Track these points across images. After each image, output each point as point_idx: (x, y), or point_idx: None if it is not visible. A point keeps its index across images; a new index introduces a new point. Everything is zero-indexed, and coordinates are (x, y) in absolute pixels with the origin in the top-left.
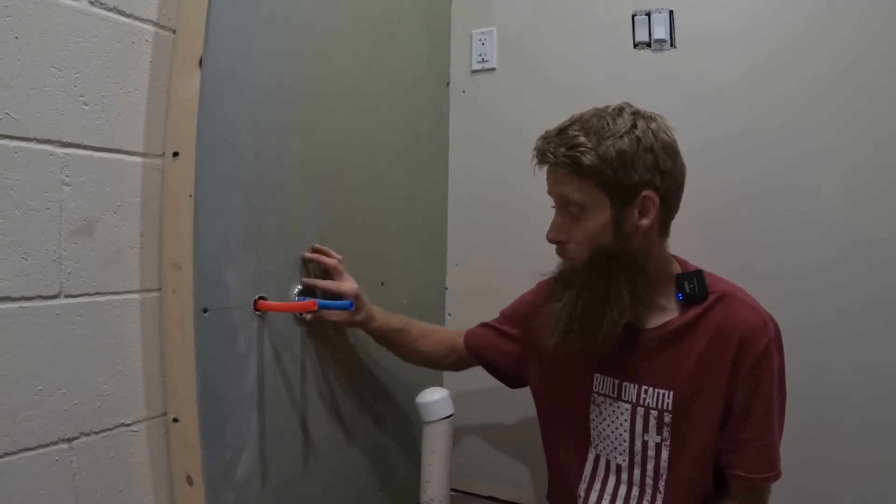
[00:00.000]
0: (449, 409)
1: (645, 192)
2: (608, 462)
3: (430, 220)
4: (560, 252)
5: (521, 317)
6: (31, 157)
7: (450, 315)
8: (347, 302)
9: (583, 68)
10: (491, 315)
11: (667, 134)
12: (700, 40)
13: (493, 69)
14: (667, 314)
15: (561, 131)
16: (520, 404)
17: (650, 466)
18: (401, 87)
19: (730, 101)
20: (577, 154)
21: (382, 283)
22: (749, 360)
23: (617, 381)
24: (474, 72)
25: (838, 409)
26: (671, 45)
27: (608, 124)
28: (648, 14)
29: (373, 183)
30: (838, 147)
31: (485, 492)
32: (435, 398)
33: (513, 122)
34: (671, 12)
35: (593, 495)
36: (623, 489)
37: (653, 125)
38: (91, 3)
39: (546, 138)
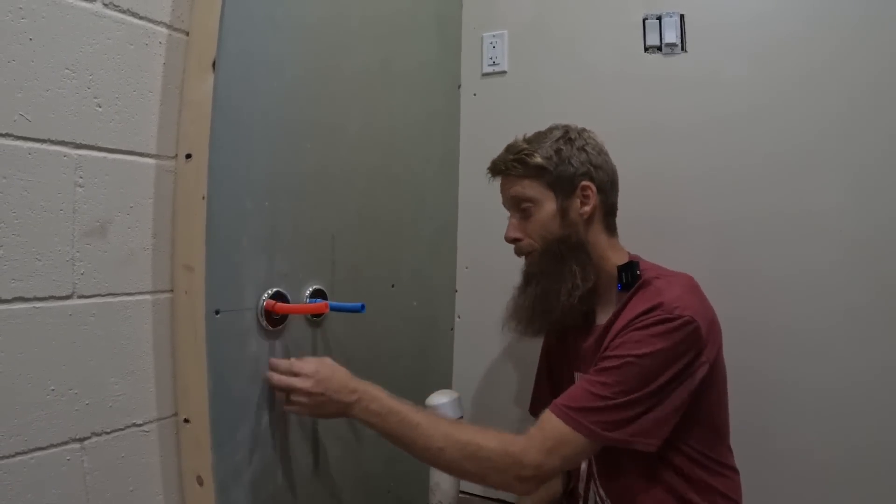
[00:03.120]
0: (458, 412)
1: (583, 182)
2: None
3: (440, 222)
4: (518, 250)
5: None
6: (45, 159)
7: (459, 317)
8: (359, 304)
9: (594, 72)
10: (498, 316)
11: (595, 139)
12: (711, 44)
13: (503, 72)
14: (613, 307)
15: (507, 148)
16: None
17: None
18: (412, 90)
19: (740, 104)
20: (523, 156)
21: (393, 286)
22: (632, 320)
23: (580, 375)
24: (485, 75)
25: (837, 410)
26: (682, 48)
27: (544, 134)
28: (659, 18)
29: (384, 185)
30: (847, 149)
31: (493, 494)
32: (445, 401)
33: (523, 126)
34: (682, 16)
35: (591, 495)
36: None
37: (584, 133)
38: (105, 5)
39: (495, 158)
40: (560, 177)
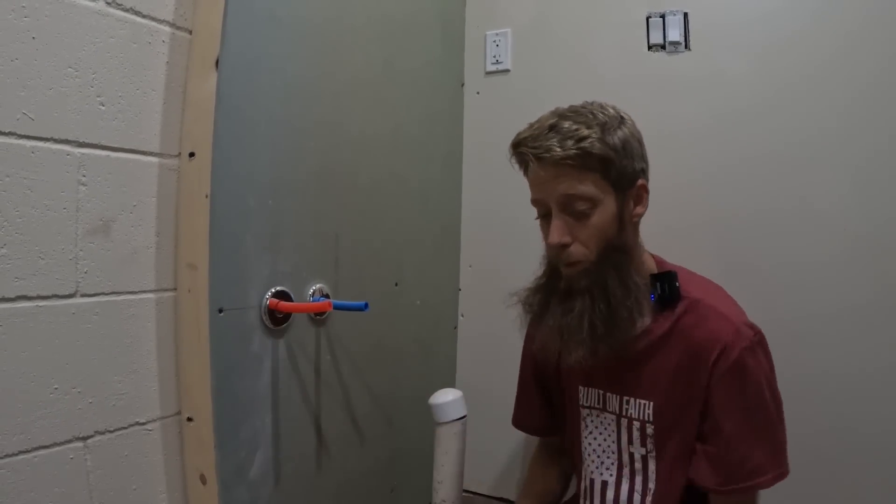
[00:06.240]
0: (462, 411)
1: (640, 181)
2: (592, 482)
3: (443, 221)
4: (562, 257)
5: (529, 355)
6: (48, 157)
7: (462, 316)
8: (362, 303)
9: (597, 70)
10: (501, 315)
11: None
12: (715, 42)
13: (507, 71)
14: (643, 318)
15: (552, 128)
16: None
17: (638, 480)
18: (415, 89)
19: (744, 102)
20: (587, 145)
21: (396, 284)
22: (721, 371)
23: (601, 392)
24: (488, 73)
25: (841, 406)
26: (686, 47)
27: (603, 115)
28: (663, 16)
29: (387, 184)
30: (851, 146)
31: (497, 493)
32: (448, 399)
33: (527, 124)
34: (686, 14)
35: None
36: None
37: (631, 117)
38: (108, 3)
39: (535, 137)
40: (623, 173)
